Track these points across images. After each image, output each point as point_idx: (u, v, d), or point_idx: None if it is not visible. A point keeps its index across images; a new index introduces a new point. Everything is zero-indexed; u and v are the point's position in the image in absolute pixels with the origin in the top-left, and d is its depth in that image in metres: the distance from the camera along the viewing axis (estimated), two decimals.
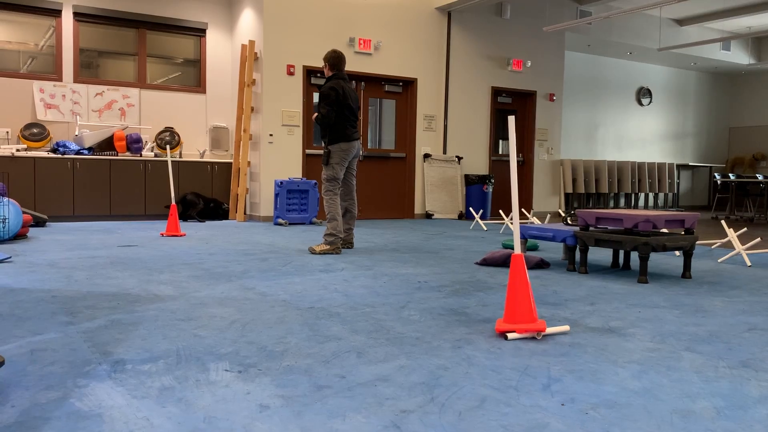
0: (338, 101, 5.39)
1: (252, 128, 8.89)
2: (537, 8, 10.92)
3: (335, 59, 5.53)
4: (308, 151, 9.11)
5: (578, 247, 4.45)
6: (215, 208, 8.68)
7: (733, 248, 6.22)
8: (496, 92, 10.76)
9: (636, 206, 13.66)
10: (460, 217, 10.20)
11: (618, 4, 11.30)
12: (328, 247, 5.24)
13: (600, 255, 5.59)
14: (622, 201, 13.58)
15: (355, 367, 2.17)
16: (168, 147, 7.04)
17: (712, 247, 6.35)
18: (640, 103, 14.03)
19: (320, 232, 7.20)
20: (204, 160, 8.94)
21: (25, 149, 7.97)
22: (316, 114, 5.47)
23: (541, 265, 4.67)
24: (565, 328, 2.71)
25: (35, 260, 4.59)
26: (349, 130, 5.46)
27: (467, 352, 2.38)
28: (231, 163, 9.08)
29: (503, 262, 4.73)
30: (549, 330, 2.65)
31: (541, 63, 11.10)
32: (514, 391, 1.95)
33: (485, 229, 8.18)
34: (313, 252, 5.25)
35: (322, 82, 9.22)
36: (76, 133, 8.35)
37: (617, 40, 11.87)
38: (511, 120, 2.73)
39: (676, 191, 14.20)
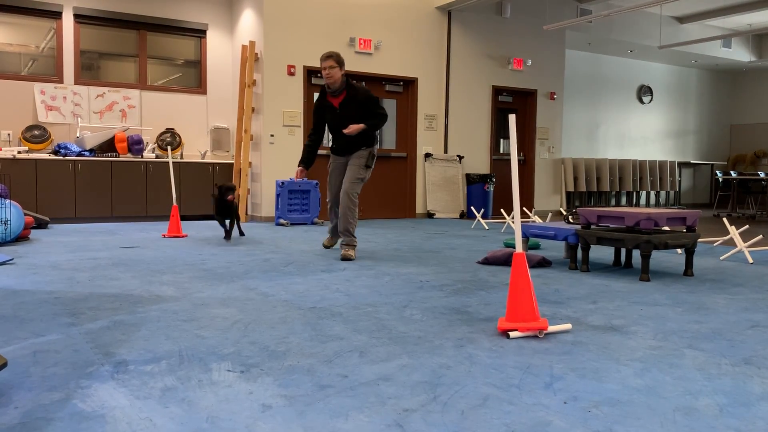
0: None
1: (253, 129, 8.89)
2: (537, 7, 10.92)
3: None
4: None
5: (580, 245, 4.45)
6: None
7: (735, 246, 6.21)
8: (497, 91, 10.75)
9: (637, 204, 13.64)
10: (462, 216, 10.20)
11: (618, 2, 11.29)
12: (354, 249, 5.07)
13: (601, 253, 5.59)
14: (624, 199, 13.57)
15: (358, 366, 2.17)
16: (169, 148, 7.04)
17: (714, 244, 6.35)
18: (641, 101, 14.02)
19: (322, 232, 7.20)
20: (205, 161, 8.94)
21: (27, 151, 7.98)
22: (368, 124, 5.05)
23: (542, 263, 4.67)
24: (567, 326, 2.71)
25: (37, 262, 4.60)
26: None
27: (469, 350, 2.38)
28: (232, 163, 9.08)
29: (505, 261, 4.73)
30: (551, 328, 2.65)
31: (541, 62, 11.10)
32: (517, 389, 1.95)
33: (487, 228, 8.18)
34: (351, 258, 4.93)
35: (323, 82, 9.22)
36: (78, 134, 8.35)
37: (618, 38, 11.86)
38: (512, 119, 2.73)
39: (677, 189, 14.18)
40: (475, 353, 2.34)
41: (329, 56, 5.05)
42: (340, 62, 5.07)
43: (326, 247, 5.60)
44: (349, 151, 5.23)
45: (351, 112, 5.11)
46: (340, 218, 5.14)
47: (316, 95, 9.26)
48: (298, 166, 5.32)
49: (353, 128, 4.97)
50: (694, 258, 5.22)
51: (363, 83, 9.54)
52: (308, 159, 5.36)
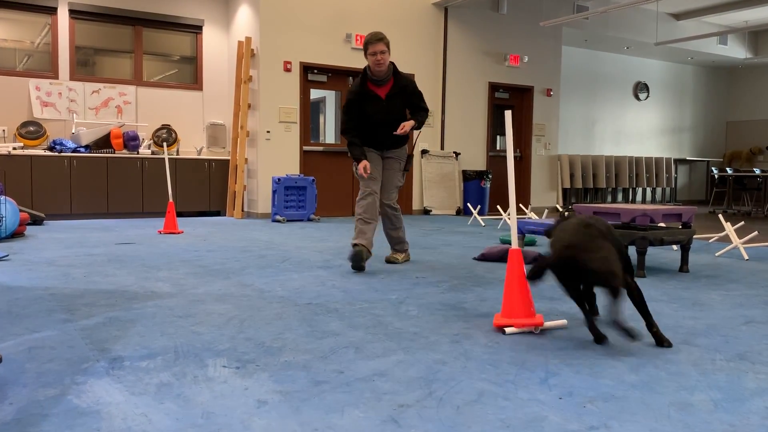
0: None
1: (249, 125, 8.87)
2: (534, 3, 10.91)
3: None
4: (305, 148, 9.10)
5: None
6: None
7: (731, 242, 6.23)
8: (494, 88, 10.75)
9: (634, 201, 13.67)
10: (458, 212, 10.20)
11: None
12: (405, 254, 4.67)
13: None
14: (620, 196, 13.60)
15: (353, 362, 2.17)
16: (165, 144, 7.03)
17: (710, 241, 6.36)
18: (638, 98, 14.03)
19: (318, 228, 7.20)
20: (201, 157, 8.92)
21: (22, 147, 7.95)
22: (417, 121, 4.41)
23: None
24: (563, 322, 2.72)
25: (33, 258, 4.58)
26: None
27: (465, 346, 2.38)
28: (228, 160, 9.06)
29: (501, 257, 4.73)
30: (547, 324, 2.66)
31: (538, 58, 11.10)
32: (512, 385, 1.95)
33: (483, 224, 8.18)
34: (397, 261, 4.56)
35: (320, 78, 9.21)
36: (73, 131, 8.33)
37: (614, 34, 11.87)
38: (508, 115, 2.73)
39: (673, 186, 14.21)
40: (471, 349, 2.34)
41: (380, 39, 4.22)
42: (389, 46, 4.31)
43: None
44: (386, 147, 4.51)
45: (398, 103, 4.40)
46: (390, 232, 4.57)
47: (312, 91, 9.25)
48: (360, 161, 4.33)
49: (407, 127, 4.29)
50: (689, 254, 5.23)
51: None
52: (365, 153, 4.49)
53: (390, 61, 4.37)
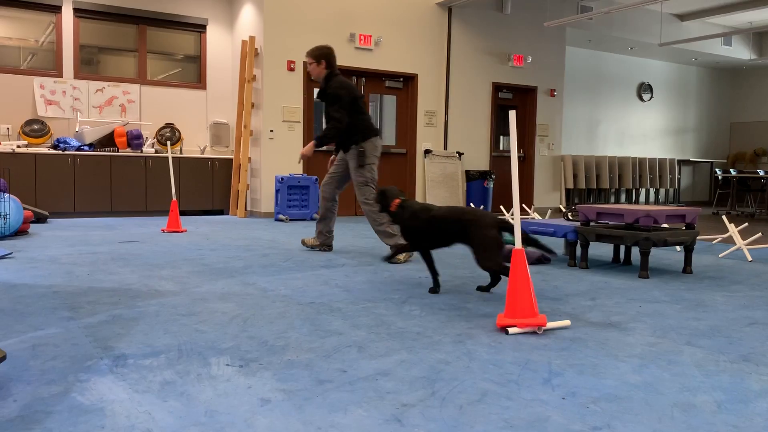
0: (351, 97, 4.81)
1: (252, 124, 8.88)
2: (538, 3, 10.90)
3: (331, 56, 4.89)
4: None
5: (579, 242, 4.45)
6: None
7: (734, 243, 6.22)
8: (497, 88, 10.74)
9: (637, 202, 13.65)
10: None
11: None
12: (407, 253, 4.53)
13: (601, 250, 5.59)
14: (623, 196, 13.57)
15: (356, 361, 2.17)
16: (168, 143, 7.03)
17: (713, 242, 6.35)
18: (641, 99, 14.01)
19: None
20: (205, 156, 8.93)
21: (26, 145, 7.97)
22: (327, 130, 4.82)
23: (542, 260, 4.67)
24: (566, 322, 2.72)
25: (36, 256, 4.60)
26: (373, 124, 4.92)
27: (468, 346, 2.38)
28: (232, 159, 9.07)
29: (505, 257, 4.72)
30: (550, 324, 2.65)
31: (542, 58, 11.08)
32: (515, 385, 1.95)
33: None
34: (399, 261, 4.53)
35: None
36: (77, 129, 8.34)
37: (618, 35, 11.85)
38: (512, 115, 2.73)
39: (677, 187, 14.18)
40: (474, 349, 2.34)
41: (308, 54, 4.93)
42: (316, 57, 4.86)
43: (303, 244, 5.18)
44: (342, 147, 4.97)
45: (325, 108, 4.94)
46: (373, 227, 4.76)
47: (315, 91, 9.27)
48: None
49: (305, 153, 4.97)
50: (693, 255, 5.21)
51: (363, 79, 9.52)
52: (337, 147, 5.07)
53: (331, 72, 4.91)
